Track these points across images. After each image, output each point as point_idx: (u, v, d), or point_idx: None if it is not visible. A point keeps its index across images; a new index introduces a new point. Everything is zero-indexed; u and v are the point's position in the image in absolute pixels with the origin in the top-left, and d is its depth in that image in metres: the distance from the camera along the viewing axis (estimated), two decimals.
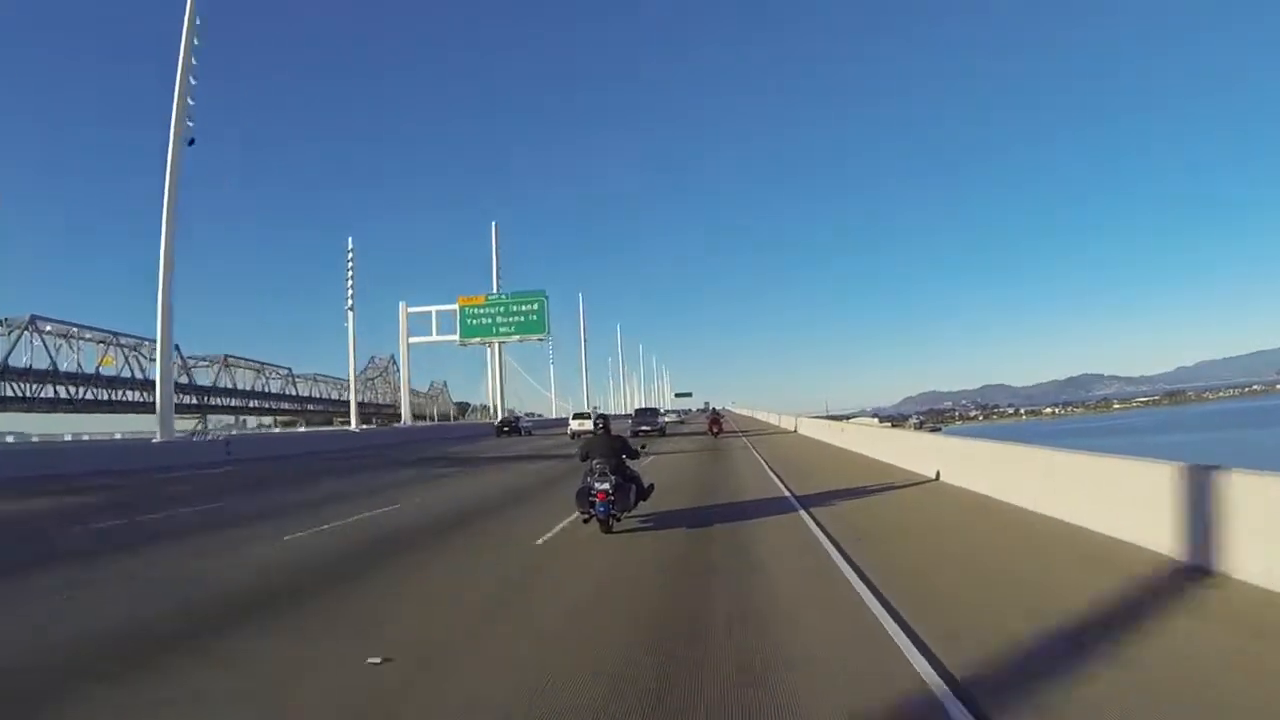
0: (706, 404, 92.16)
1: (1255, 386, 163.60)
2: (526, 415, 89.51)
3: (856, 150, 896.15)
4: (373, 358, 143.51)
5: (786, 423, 42.47)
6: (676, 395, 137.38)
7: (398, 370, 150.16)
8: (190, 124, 32.27)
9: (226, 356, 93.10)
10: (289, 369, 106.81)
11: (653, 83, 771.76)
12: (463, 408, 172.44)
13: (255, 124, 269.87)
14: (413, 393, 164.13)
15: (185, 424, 75.34)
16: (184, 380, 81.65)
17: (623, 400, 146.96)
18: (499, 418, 57.96)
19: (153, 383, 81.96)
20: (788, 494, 12.54)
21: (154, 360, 78.74)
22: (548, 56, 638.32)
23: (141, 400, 74.14)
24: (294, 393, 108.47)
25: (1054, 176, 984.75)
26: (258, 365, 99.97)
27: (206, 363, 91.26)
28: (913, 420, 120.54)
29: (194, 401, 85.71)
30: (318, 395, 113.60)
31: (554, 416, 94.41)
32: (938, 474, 13.36)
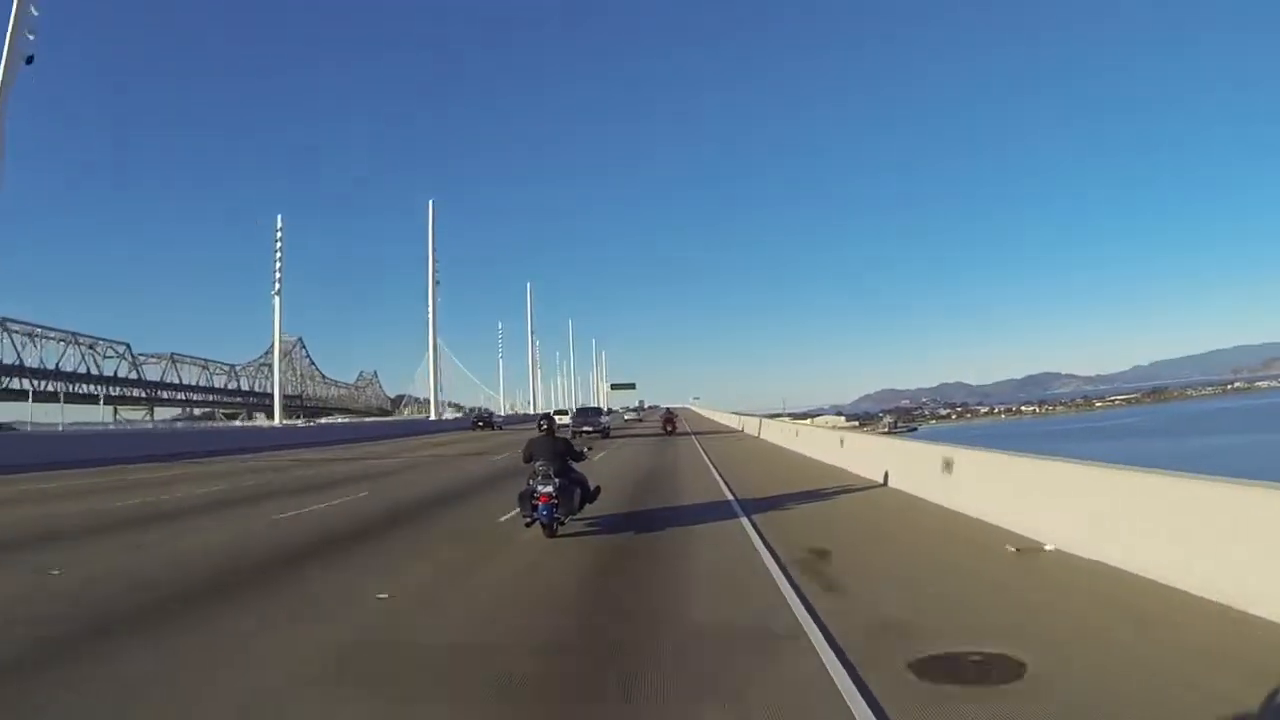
0: (640, 402, 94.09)
1: (1237, 384, 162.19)
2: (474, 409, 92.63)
3: (813, 150, 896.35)
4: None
5: (746, 425, 38.26)
6: (613, 387, 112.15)
7: (306, 355, 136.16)
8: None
9: (174, 354, 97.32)
10: (232, 365, 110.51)
11: (609, 79, 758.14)
12: (396, 401, 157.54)
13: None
14: (337, 384, 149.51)
15: (133, 414, 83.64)
16: (134, 375, 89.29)
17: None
18: (474, 413, 67.55)
19: (106, 378, 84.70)
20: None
21: (108, 358, 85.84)
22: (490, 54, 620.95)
23: (93, 393, 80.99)
24: (236, 386, 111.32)
25: (1008, 179, 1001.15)
26: (203, 362, 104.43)
27: (155, 360, 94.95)
28: (886, 420, 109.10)
29: (143, 395, 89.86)
30: (203, 384, 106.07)
31: (520, 412, 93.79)
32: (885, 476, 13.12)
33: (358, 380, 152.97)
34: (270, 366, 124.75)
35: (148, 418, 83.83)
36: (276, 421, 50.55)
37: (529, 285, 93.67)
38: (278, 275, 47.36)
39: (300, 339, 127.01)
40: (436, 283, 60.78)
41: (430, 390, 67.52)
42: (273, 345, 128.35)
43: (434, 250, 60.24)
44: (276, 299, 47.35)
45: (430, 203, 60.77)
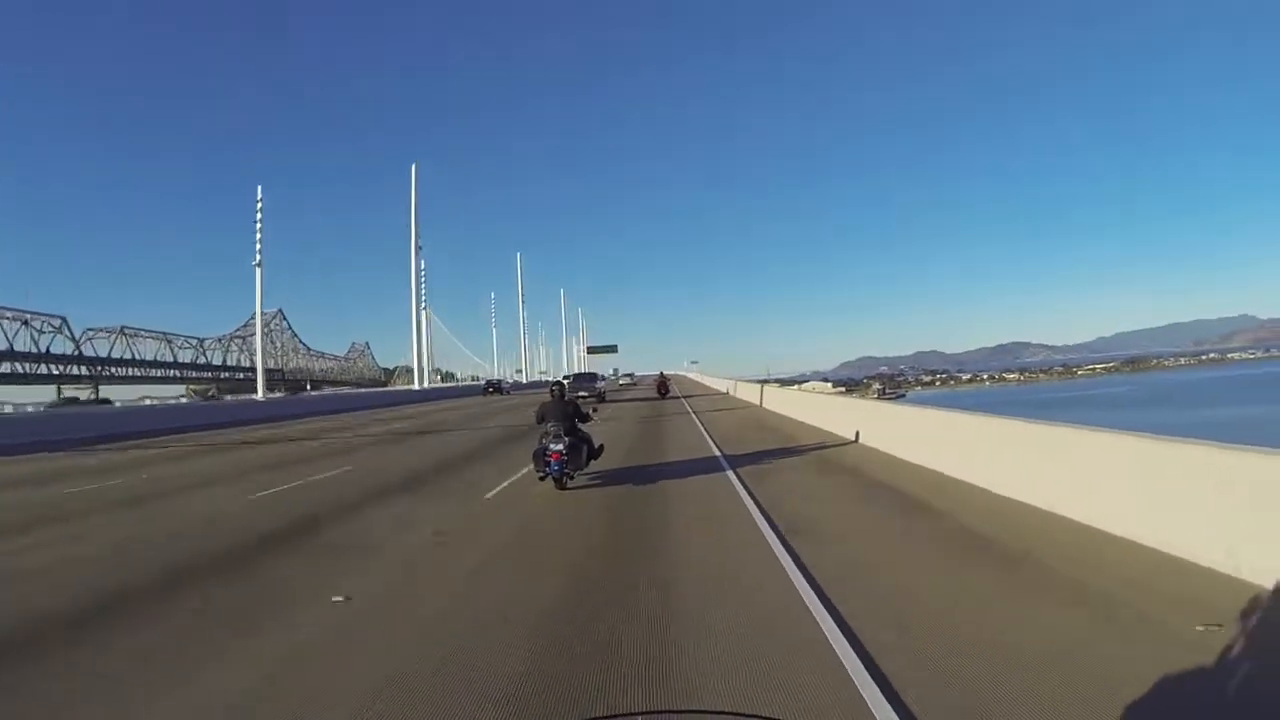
0: (615, 370, 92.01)
1: (1211, 355, 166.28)
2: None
3: (792, 123, 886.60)
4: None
5: (738, 389, 37.46)
6: (590, 350, 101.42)
7: (287, 327, 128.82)
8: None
9: (124, 327, 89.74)
10: (200, 339, 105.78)
11: (591, 51, 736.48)
12: (388, 372, 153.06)
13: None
14: (323, 356, 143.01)
15: (77, 393, 77.87)
16: (74, 353, 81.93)
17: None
18: (484, 380, 74.67)
19: (36, 355, 77.23)
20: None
21: (44, 333, 78.35)
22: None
23: (20, 371, 75.24)
24: (205, 361, 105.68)
25: (980, 157, 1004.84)
26: (161, 335, 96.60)
27: (105, 334, 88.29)
28: (874, 386, 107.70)
29: (86, 372, 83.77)
30: (164, 359, 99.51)
31: (524, 380, 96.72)
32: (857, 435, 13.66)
33: (349, 352, 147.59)
34: (246, 339, 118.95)
35: (91, 395, 78.53)
36: None
37: (518, 256, 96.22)
38: (258, 248, 50.92)
39: (280, 310, 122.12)
40: (419, 248, 64.65)
41: (416, 361, 69.40)
42: (254, 318, 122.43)
43: (417, 216, 63.39)
44: (257, 270, 50.55)
45: (414, 167, 63.68)
